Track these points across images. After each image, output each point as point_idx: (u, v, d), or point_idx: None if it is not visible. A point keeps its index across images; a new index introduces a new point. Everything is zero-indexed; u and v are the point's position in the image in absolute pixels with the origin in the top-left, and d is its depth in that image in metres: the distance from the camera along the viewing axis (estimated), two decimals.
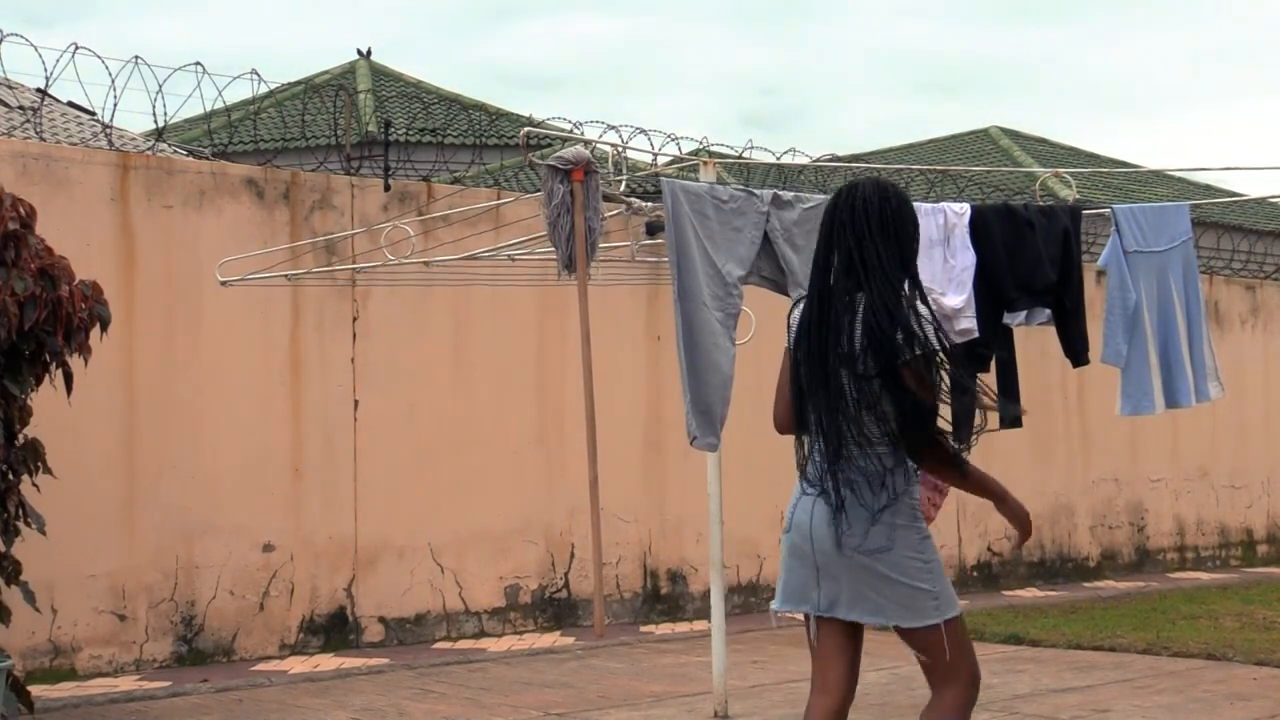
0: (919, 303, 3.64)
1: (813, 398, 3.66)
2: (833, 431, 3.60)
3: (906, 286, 3.65)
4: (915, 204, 6.03)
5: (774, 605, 3.86)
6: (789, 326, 3.83)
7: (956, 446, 3.68)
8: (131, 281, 8.32)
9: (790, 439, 3.87)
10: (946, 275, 6.19)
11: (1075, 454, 13.18)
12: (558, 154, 5.47)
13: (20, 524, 6.32)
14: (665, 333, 10.46)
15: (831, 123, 72.26)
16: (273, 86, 10.15)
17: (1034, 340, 11.81)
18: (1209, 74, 71.16)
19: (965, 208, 6.58)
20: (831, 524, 3.64)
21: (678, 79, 70.93)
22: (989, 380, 6.52)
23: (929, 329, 3.59)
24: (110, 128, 9.35)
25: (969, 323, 6.23)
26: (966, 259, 6.21)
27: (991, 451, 12.21)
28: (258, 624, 8.68)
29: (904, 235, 3.71)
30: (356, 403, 9.15)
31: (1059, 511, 13.04)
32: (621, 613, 10.19)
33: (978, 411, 3.71)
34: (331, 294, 9.08)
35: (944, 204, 6.61)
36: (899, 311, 3.57)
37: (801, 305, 3.81)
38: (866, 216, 3.67)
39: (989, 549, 12.46)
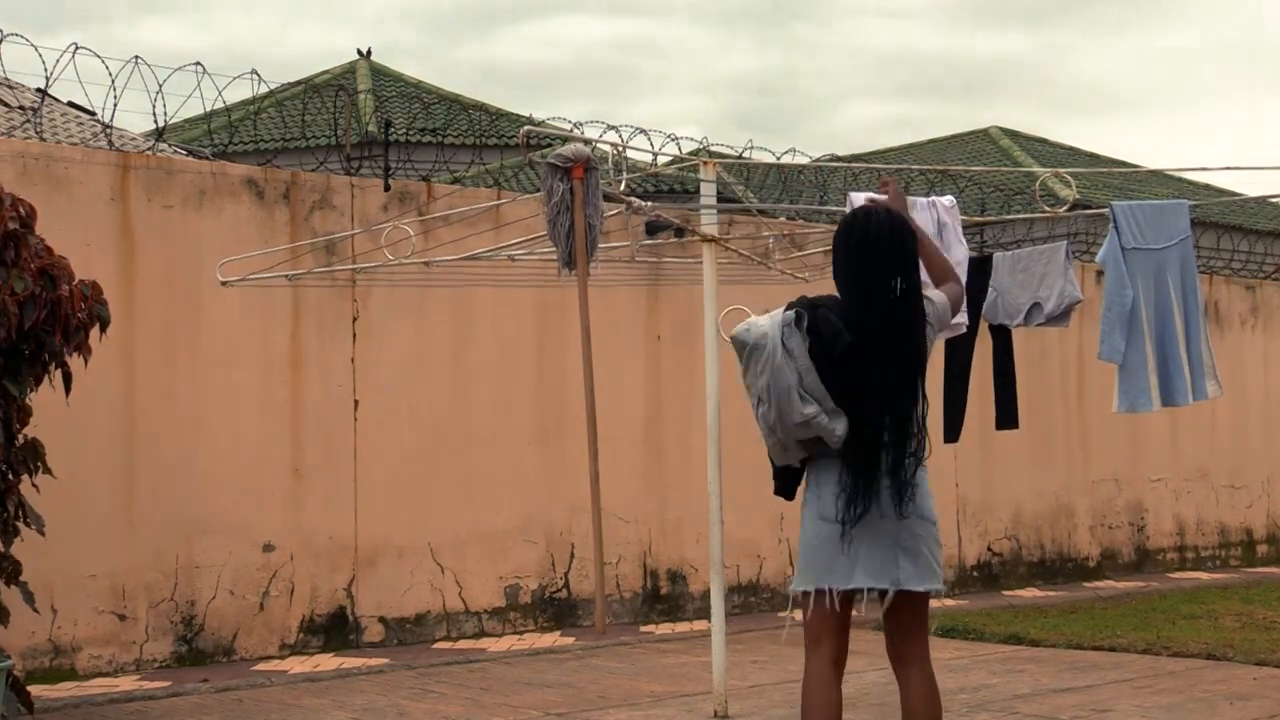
0: None
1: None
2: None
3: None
4: (908, 197, 6.08)
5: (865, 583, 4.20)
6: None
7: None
8: (131, 281, 8.32)
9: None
10: None
11: (1075, 454, 13.18)
12: (557, 151, 5.48)
13: (20, 524, 6.32)
14: (665, 333, 10.47)
15: (831, 123, 72.25)
16: (273, 86, 10.13)
17: (1034, 340, 11.82)
18: (1209, 74, 71.19)
19: (953, 200, 6.53)
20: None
21: (675, 81, 70.99)
22: None
23: None
24: (110, 128, 9.35)
25: (961, 318, 6.20)
26: (959, 253, 6.17)
27: (992, 452, 12.29)
28: (258, 624, 8.68)
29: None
30: (356, 403, 9.15)
31: (1059, 511, 13.03)
32: (621, 613, 10.19)
33: None
34: (331, 294, 9.08)
35: (934, 197, 6.57)
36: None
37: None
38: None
39: (989, 549, 12.46)
